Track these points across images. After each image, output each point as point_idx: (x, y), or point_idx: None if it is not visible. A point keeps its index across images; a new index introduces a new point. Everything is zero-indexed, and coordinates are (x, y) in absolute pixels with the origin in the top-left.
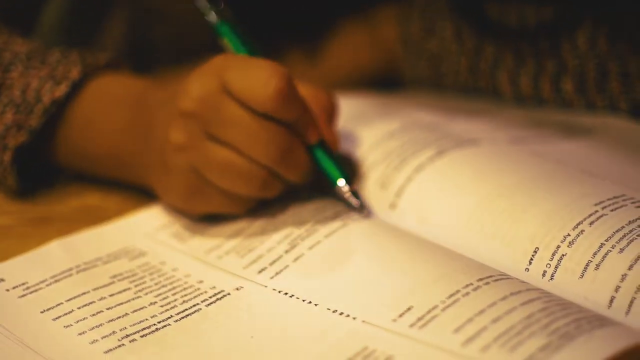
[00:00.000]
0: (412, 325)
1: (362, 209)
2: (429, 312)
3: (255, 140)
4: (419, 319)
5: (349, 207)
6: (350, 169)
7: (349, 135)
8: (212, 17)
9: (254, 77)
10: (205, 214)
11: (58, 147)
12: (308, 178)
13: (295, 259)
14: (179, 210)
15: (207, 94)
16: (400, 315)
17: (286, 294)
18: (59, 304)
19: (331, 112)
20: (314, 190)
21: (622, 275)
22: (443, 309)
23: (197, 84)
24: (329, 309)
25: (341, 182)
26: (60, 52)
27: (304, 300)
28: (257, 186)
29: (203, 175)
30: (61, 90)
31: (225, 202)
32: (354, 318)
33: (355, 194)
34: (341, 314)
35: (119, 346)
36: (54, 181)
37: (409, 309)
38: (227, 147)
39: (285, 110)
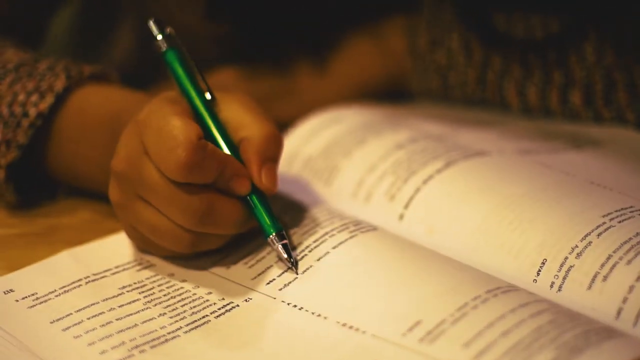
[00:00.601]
0: (421, 340)
1: (292, 266)
2: (438, 326)
3: (171, 206)
4: (428, 333)
5: (280, 260)
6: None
7: (357, 146)
8: (161, 44)
9: (163, 144)
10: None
11: (49, 160)
12: (248, 226)
13: (304, 271)
14: None
15: (130, 155)
16: (410, 330)
17: (295, 306)
18: (68, 315)
19: (269, 153)
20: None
21: (630, 287)
22: (452, 323)
23: (123, 144)
24: (338, 322)
25: (272, 237)
26: (48, 63)
27: (313, 313)
28: (186, 246)
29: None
30: (46, 102)
31: (173, 252)
32: (364, 332)
33: (285, 248)
34: (351, 327)
35: (129, 357)
36: (56, 194)
37: (418, 322)
38: (154, 208)
39: (195, 176)
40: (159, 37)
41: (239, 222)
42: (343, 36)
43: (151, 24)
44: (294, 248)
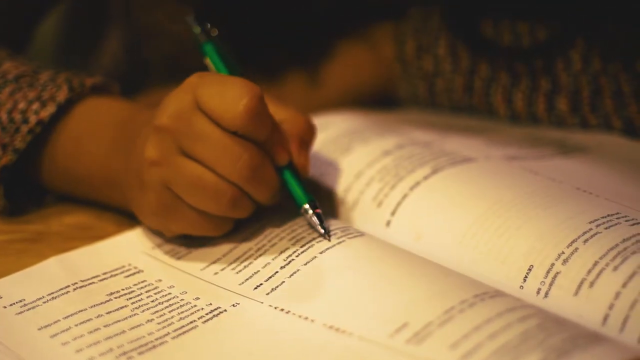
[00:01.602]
0: (408, 341)
1: (325, 233)
2: (424, 328)
3: (223, 156)
4: (415, 335)
5: (313, 229)
6: (335, 191)
7: (344, 153)
8: (199, 36)
9: (225, 94)
10: (180, 233)
11: (44, 168)
12: (277, 200)
13: (291, 275)
14: (156, 230)
15: (181, 110)
16: (397, 331)
17: (282, 310)
18: (56, 321)
19: (306, 137)
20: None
21: (616, 293)
22: (439, 325)
23: (172, 101)
24: (325, 324)
25: (306, 206)
26: (48, 75)
27: (300, 316)
28: (225, 204)
29: (174, 191)
30: (47, 111)
31: (198, 221)
32: (351, 334)
33: (319, 217)
34: (337, 329)
35: None
36: (44, 201)
37: (405, 324)
38: (198, 163)
39: (255, 128)
40: (198, 30)
41: (275, 192)
42: (334, 43)
43: (190, 19)
44: (324, 220)
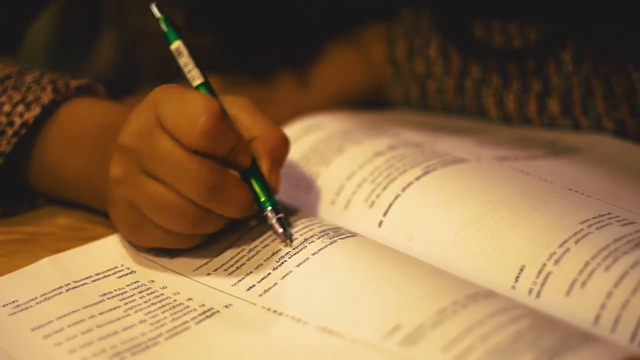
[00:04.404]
0: (401, 343)
1: (287, 238)
2: (417, 329)
3: (182, 176)
4: (408, 337)
5: (275, 235)
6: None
7: (336, 154)
8: (163, 23)
9: (184, 113)
10: (151, 247)
11: (32, 171)
12: (250, 213)
13: (284, 277)
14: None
15: (143, 128)
16: (390, 333)
17: (275, 311)
18: (49, 322)
19: (279, 156)
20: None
21: (608, 293)
22: (431, 327)
23: (134, 119)
24: (318, 326)
25: (269, 210)
26: (33, 76)
27: (293, 318)
28: (189, 223)
29: (139, 210)
30: (31, 113)
31: (165, 238)
32: (344, 336)
33: (281, 222)
34: (330, 331)
35: None
36: (36, 203)
37: (397, 326)
38: (160, 183)
39: (214, 146)
40: (162, 17)
41: (245, 207)
42: (324, 45)
43: (153, 8)
44: (290, 225)
